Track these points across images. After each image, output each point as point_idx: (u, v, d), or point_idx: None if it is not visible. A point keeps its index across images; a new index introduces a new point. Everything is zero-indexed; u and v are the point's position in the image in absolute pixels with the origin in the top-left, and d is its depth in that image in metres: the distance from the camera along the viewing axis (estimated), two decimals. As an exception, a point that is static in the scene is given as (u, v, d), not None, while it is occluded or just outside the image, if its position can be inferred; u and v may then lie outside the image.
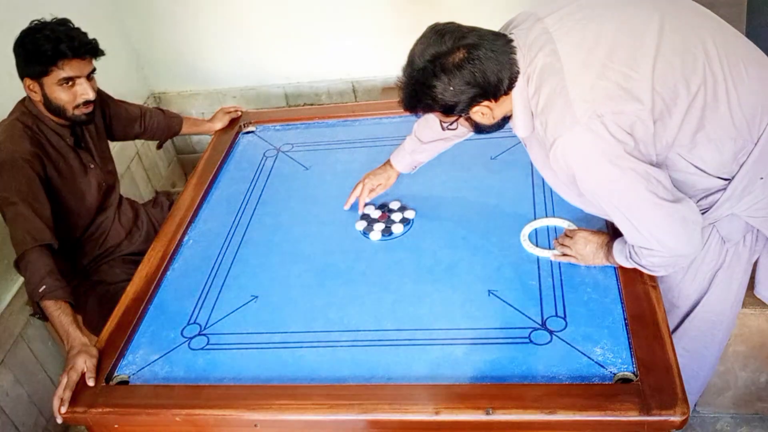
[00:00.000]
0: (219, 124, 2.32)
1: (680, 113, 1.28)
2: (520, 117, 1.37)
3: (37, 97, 1.78)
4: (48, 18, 1.75)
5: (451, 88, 1.30)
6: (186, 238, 1.85)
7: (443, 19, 2.96)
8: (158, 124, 2.26)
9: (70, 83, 1.75)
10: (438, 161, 1.97)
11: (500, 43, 1.31)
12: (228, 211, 1.93)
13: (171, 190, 3.16)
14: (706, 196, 1.40)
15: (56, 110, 1.79)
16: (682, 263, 1.42)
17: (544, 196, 1.75)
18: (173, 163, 3.34)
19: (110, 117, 2.11)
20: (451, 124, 1.44)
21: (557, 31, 1.31)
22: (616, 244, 1.45)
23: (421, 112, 1.42)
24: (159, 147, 2.42)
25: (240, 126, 2.31)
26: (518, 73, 1.32)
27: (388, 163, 1.85)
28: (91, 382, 1.43)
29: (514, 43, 1.33)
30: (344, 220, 1.81)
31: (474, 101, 1.33)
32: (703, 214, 1.40)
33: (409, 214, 1.78)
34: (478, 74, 1.29)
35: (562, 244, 1.56)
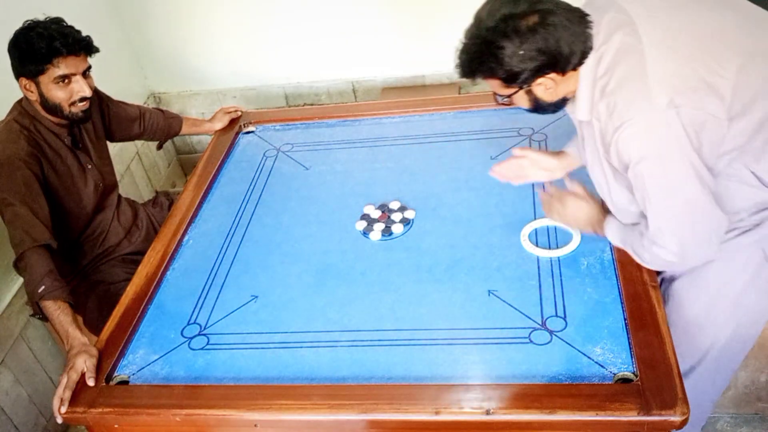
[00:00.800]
0: (219, 124, 2.32)
1: (755, 121, 1.25)
2: (585, 98, 1.31)
3: (33, 97, 1.78)
4: (41, 18, 1.76)
5: (521, 52, 1.23)
6: (186, 238, 1.85)
7: (443, 18, 2.97)
8: (158, 124, 2.26)
9: (66, 81, 1.75)
10: (438, 161, 1.97)
11: (576, 15, 1.25)
12: (228, 211, 1.93)
13: (171, 190, 3.16)
14: (759, 212, 1.36)
15: (53, 109, 1.79)
16: (677, 268, 1.40)
17: (544, 196, 1.75)
18: (173, 163, 3.34)
19: (109, 118, 2.11)
20: (506, 97, 1.36)
21: (640, 15, 1.26)
22: (614, 220, 1.42)
23: (480, 77, 1.32)
24: (159, 147, 2.42)
25: (240, 126, 2.31)
26: (591, 48, 1.26)
27: (562, 152, 1.68)
28: (91, 382, 1.43)
29: (590, 18, 1.27)
30: (344, 220, 1.81)
31: (540, 71, 1.26)
32: (748, 231, 1.37)
33: (409, 214, 1.78)
34: (552, 41, 1.22)
35: (551, 199, 1.55)
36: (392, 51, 2.91)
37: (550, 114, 1.45)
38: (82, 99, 1.79)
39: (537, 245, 1.60)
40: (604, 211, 1.47)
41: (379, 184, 1.92)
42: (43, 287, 1.59)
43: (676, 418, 1.18)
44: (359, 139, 2.16)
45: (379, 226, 1.75)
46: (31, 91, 1.77)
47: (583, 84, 1.30)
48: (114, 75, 2.80)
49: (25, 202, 1.70)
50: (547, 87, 1.31)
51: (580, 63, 1.28)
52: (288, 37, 2.97)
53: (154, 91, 3.22)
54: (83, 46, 1.76)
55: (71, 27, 1.76)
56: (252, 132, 2.30)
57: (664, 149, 1.22)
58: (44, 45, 1.69)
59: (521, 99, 1.36)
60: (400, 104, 2.33)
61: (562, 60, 1.25)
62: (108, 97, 2.12)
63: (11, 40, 1.74)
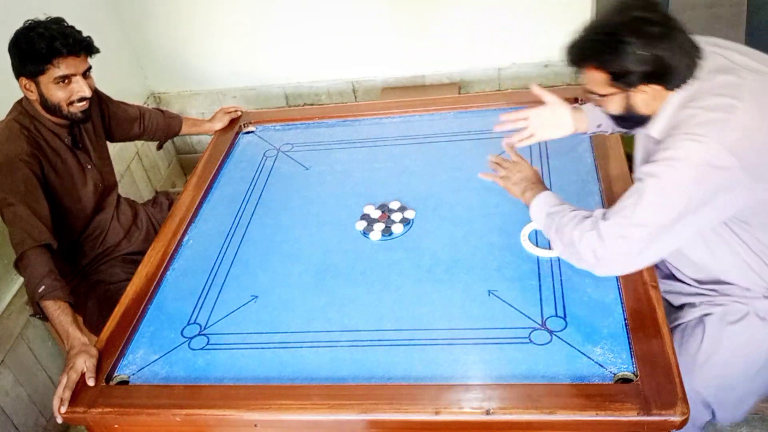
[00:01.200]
0: (219, 124, 2.32)
1: None
2: (666, 117, 1.34)
3: (33, 96, 1.78)
4: (42, 17, 1.75)
5: (641, 53, 1.26)
6: (186, 238, 1.85)
7: (443, 18, 2.96)
8: (157, 124, 2.26)
9: (66, 81, 1.75)
10: (438, 161, 1.97)
11: (692, 42, 1.31)
12: (228, 211, 1.93)
13: (171, 190, 3.16)
14: None
15: (53, 108, 1.79)
16: (584, 265, 1.39)
17: (544, 196, 1.75)
18: (173, 163, 3.34)
19: (109, 118, 2.11)
20: (601, 96, 1.38)
21: (749, 68, 1.30)
22: (548, 195, 1.47)
23: (587, 67, 1.35)
24: (159, 148, 2.42)
25: (240, 126, 2.31)
26: (693, 76, 1.30)
27: (577, 108, 1.71)
28: (90, 382, 1.43)
29: (702, 51, 1.31)
30: (344, 220, 1.81)
31: (649, 78, 1.29)
32: None
33: (409, 214, 1.78)
34: (671, 55, 1.26)
35: (500, 165, 1.62)
36: (392, 51, 2.91)
37: (628, 129, 1.46)
38: (81, 99, 1.79)
39: (537, 245, 1.60)
40: (542, 185, 1.55)
41: (379, 184, 1.92)
42: (43, 287, 1.60)
43: (676, 418, 1.18)
44: (359, 139, 2.16)
45: (379, 226, 1.75)
46: (31, 91, 1.77)
47: (671, 105, 1.33)
48: (114, 75, 2.80)
49: (26, 202, 1.70)
50: (647, 97, 1.33)
51: (679, 85, 1.31)
52: (288, 37, 2.97)
53: (154, 91, 3.22)
54: (84, 47, 1.75)
55: (72, 27, 1.76)
56: (252, 132, 2.30)
57: (693, 174, 1.24)
58: (45, 45, 1.69)
59: (616, 102, 1.37)
60: (400, 104, 2.33)
61: (673, 75, 1.29)
62: (108, 98, 2.12)
63: (11, 40, 1.74)
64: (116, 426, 1.41)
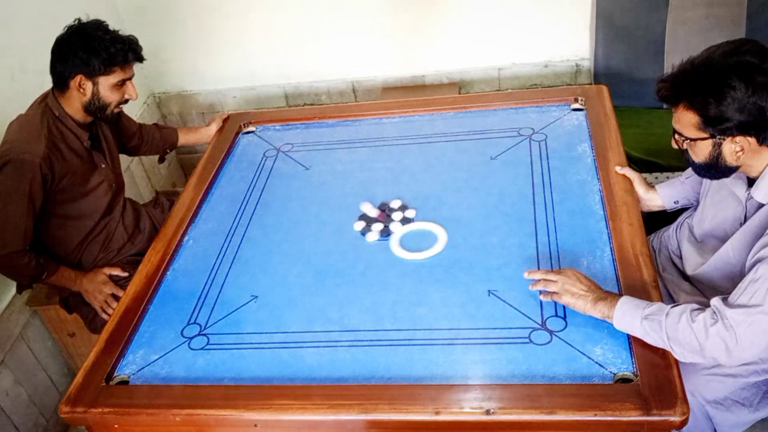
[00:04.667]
0: (214, 126, 2.31)
1: None
2: None
3: (84, 95, 1.80)
4: (84, 18, 1.81)
5: (745, 100, 1.19)
6: (186, 238, 1.85)
7: (443, 18, 2.96)
8: (153, 135, 2.29)
9: (122, 84, 1.83)
10: (438, 161, 1.97)
11: None
12: (228, 211, 1.93)
13: (171, 190, 3.16)
14: None
15: (98, 108, 1.83)
16: (722, 359, 1.25)
17: (544, 196, 1.75)
18: (173, 163, 3.34)
19: (116, 123, 2.12)
20: (687, 140, 1.30)
21: None
22: (626, 302, 1.31)
23: (683, 104, 1.27)
24: (160, 161, 2.41)
25: (240, 126, 2.31)
26: None
27: (651, 186, 1.71)
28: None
29: None
30: (344, 220, 1.81)
31: (745, 129, 1.22)
32: None
33: (410, 214, 1.78)
34: None
35: (547, 279, 1.42)
36: (392, 51, 2.91)
37: (710, 178, 1.39)
38: (126, 101, 1.87)
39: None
40: (606, 293, 1.38)
41: (379, 184, 1.93)
42: (45, 273, 1.84)
43: (676, 418, 1.18)
44: (359, 139, 2.16)
45: (378, 226, 1.75)
46: (83, 89, 1.79)
47: None
48: (114, 75, 2.79)
49: (22, 204, 1.74)
50: (739, 149, 1.27)
51: None
52: (288, 36, 2.97)
53: (154, 91, 3.22)
54: (141, 55, 1.86)
55: (130, 35, 1.84)
56: (252, 132, 2.30)
57: None
58: (120, 49, 1.77)
59: (703, 148, 1.31)
60: (400, 104, 2.33)
61: None
62: None
63: (72, 35, 1.77)
64: (116, 426, 1.41)
